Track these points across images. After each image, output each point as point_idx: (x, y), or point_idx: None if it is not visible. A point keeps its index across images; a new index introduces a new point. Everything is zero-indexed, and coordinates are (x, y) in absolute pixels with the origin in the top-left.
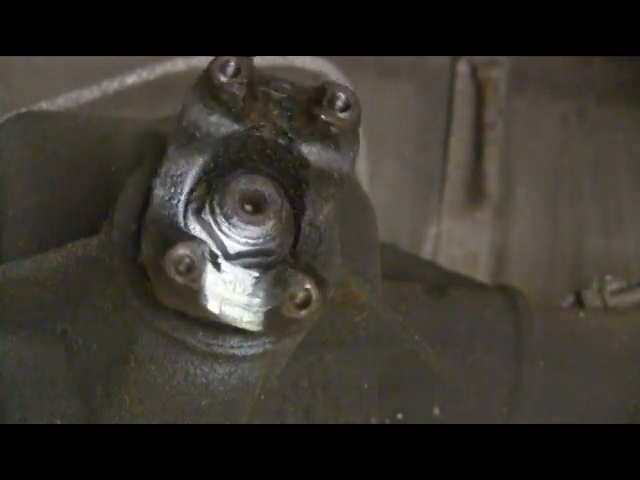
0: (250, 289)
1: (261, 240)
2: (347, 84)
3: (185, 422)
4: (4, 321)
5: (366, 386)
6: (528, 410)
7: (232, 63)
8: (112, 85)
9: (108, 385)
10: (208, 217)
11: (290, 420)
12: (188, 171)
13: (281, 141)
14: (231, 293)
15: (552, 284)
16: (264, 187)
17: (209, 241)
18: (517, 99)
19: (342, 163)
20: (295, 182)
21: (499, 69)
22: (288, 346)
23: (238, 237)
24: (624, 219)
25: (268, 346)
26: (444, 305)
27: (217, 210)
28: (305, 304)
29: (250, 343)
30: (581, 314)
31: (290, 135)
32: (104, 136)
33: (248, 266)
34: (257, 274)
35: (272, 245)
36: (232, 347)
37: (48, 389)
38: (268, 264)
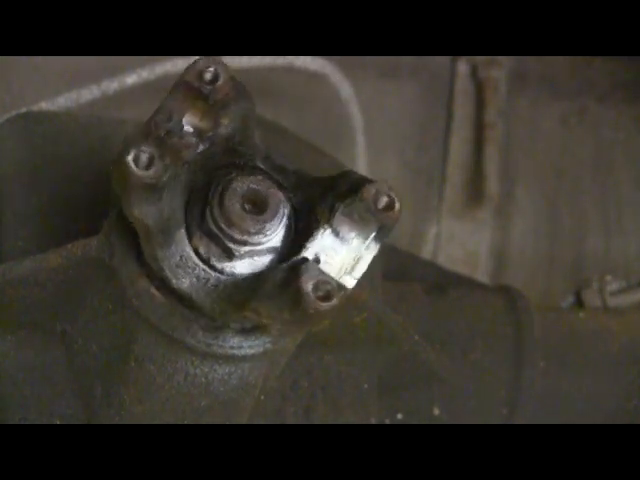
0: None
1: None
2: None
3: (185, 422)
4: (4, 321)
5: (366, 386)
6: (528, 410)
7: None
8: (112, 85)
9: (108, 385)
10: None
11: (290, 420)
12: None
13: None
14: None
15: (552, 284)
16: (261, 185)
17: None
18: (517, 99)
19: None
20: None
21: (499, 69)
22: (288, 346)
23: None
24: (624, 219)
25: (268, 346)
26: (444, 305)
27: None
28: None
29: (250, 343)
30: (581, 314)
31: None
32: (104, 136)
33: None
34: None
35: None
36: (232, 347)
37: (48, 389)
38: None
